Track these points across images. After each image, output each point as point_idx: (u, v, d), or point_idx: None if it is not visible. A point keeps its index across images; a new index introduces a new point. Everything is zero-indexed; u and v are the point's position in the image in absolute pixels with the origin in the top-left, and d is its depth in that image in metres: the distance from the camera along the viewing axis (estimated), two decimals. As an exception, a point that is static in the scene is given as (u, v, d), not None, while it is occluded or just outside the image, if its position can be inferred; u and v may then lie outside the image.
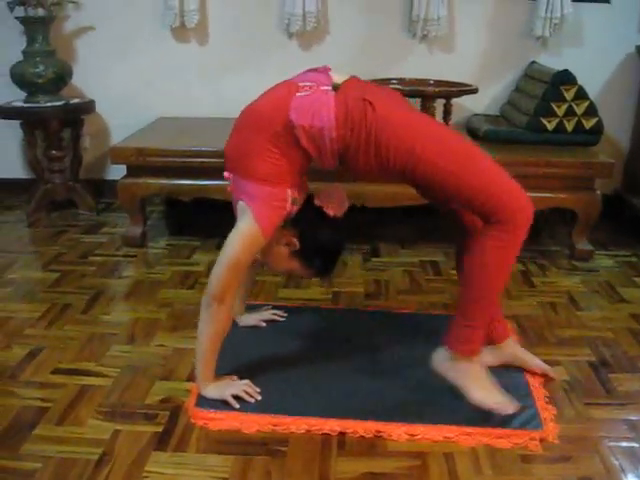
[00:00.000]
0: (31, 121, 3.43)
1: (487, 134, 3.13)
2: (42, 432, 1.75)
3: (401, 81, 3.34)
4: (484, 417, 1.80)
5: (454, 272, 2.42)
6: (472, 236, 1.82)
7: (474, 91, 3.13)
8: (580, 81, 3.01)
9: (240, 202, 1.81)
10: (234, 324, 2.31)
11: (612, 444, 1.75)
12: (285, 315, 2.38)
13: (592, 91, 3.14)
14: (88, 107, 3.51)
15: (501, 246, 1.70)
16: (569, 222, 3.08)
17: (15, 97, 3.42)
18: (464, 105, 3.49)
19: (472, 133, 3.27)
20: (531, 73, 3.36)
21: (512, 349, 2.06)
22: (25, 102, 3.39)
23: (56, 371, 2.05)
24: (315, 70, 1.83)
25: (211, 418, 1.81)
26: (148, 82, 3.60)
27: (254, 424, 1.79)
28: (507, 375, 2.03)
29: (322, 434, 1.76)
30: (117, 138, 3.33)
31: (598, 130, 3.06)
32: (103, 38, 3.55)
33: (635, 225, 3.30)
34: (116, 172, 3.27)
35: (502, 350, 2.04)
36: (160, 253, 3.04)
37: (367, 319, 2.41)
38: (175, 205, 3.51)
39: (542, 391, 1.97)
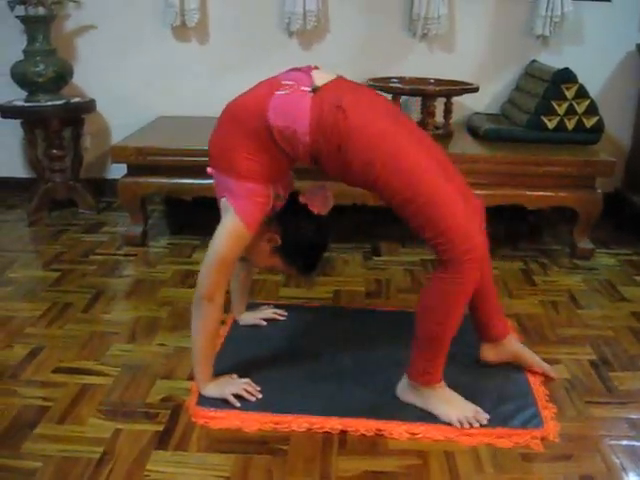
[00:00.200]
0: (32, 120, 3.43)
1: (488, 133, 3.13)
2: (43, 431, 1.76)
3: (401, 80, 3.34)
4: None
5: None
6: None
7: (475, 90, 3.14)
8: (581, 79, 3.01)
9: (223, 199, 1.81)
10: (235, 323, 2.32)
11: (613, 443, 1.75)
12: (286, 314, 2.38)
13: (593, 89, 3.14)
14: (89, 106, 3.51)
15: (450, 290, 1.68)
16: (570, 221, 3.08)
17: (16, 96, 3.42)
18: (465, 104, 3.49)
19: (473, 132, 3.28)
20: (532, 72, 3.36)
21: (513, 347, 2.05)
22: (26, 101, 3.39)
23: (57, 370, 2.05)
24: (299, 69, 1.80)
25: (212, 417, 1.81)
26: (149, 81, 3.60)
27: (255, 423, 1.79)
28: (507, 374, 2.04)
29: (323, 432, 1.76)
30: (118, 137, 3.33)
31: (599, 129, 3.06)
32: (104, 37, 3.55)
33: (636, 223, 3.30)
34: (117, 171, 3.28)
35: (503, 347, 2.04)
36: (161, 252, 3.04)
37: (368, 318, 2.41)
38: (176, 204, 3.51)
39: (543, 390, 1.96)
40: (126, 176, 3.04)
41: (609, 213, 3.20)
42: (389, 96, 3.11)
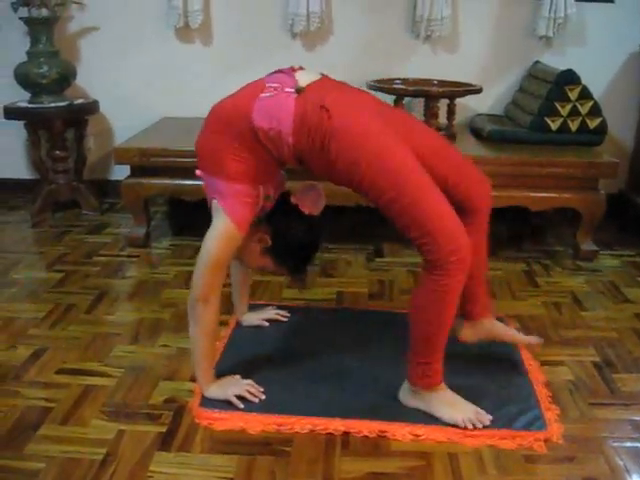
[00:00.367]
0: (35, 121, 3.44)
1: (491, 134, 3.13)
2: (46, 432, 1.76)
3: (405, 81, 3.34)
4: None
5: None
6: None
7: (478, 91, 3.13)
8: (584, 81, 3.00)
9: (213, 201, 1.81)
10: (238, 324, 2.32)
11: (616, 444, 1.75)
12: (288, 315, 2.38)
13: (596, 91, 3.13)
14: (92, 107, 3.52)
15: (437, 290, 1.68)
16: (573, 222, 3.08)
17: (19, 98, 3.43)
18: (468, 105, 3.49)
19: (476, 133, 3.28)
20: (535, 73, 3.36)
21: (491, 325, 2.06)
22: (29, 102, 3.40)
23: (60, 371, 2.05)
24: (282, 71, 1.81)
25: (215, 418, 1.81)
26: (152, 82, 3.60)
27: (258, 424, 1.79)
28: (509, 376, 2.04)
29: (326, 434, 1.76)
30: (121, 138, 3.33)
31: (602, 130, 3.05)
32: (107, 39, 3.56)
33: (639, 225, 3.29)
34: (120, 172, 3.28)
35: (482, 326, 2.04)
36: (164, 253, 3.04)
37: (371, 319, 2.41)
38: (178, 205, 3.51)
39: (545, 391, 1.96)
40: (129, 177, 3.04)
41: (612, 214, 3.20)
42: (392, 97, 3.12)
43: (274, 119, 1.69)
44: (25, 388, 1.96)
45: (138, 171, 3.01)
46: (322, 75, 1.82)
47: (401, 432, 1.76)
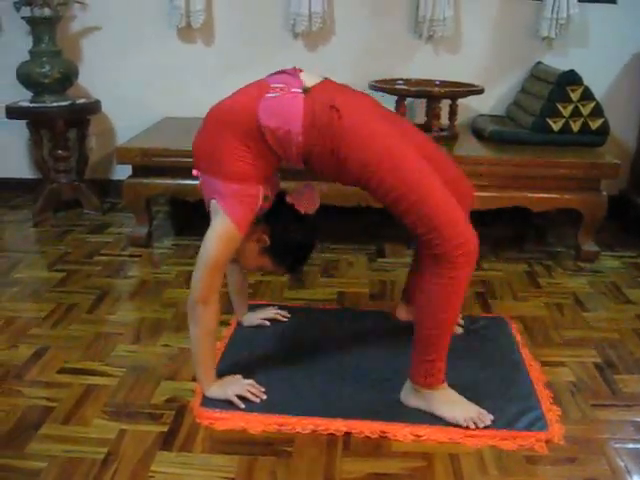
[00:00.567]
0: (37, 121, 3.44)
1: (493, 134, 3.13)
2: (48, 431, 1.76)
3: (407, 82, 3.34)
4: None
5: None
6: (422, 273, 1.83)
7: (480, 91, 3.13)
8: (586, 82, 3.00)
9: (212, 201, 1.81)
10: (238, 324, 2.33)
11: (618, 445, 1.75)
12: (289, 315, 2.38)
13: (598, 92, 3.13)
14: (94, 107, 3.52)
15: (444, 284, 1.69)
16: (575, 223, 3.07)
17: (21, 97, 3.43)
18: (470, 105, 3.48)
19: (478, 133, 3.27)
20: (537, 74, 3.36)
21: None
22: (31, 102, 3.40)
23: (62, 371, 2.05)
24: (285, 72, 1.81)
25: (216, 418, 1.81)
26: (153, 82, 3.61)
27: (259, 424, 1.79)
28: (510, 376, 2.03)
29: (327, 434, 1.76)
30: (123, 138, 3.33)
31: (604, 131, 3.05)
32: (109, 38, 3.56)
33: (641, 226, 3.30)
34: (122, 172, 3.28)
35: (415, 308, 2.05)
36: (165, 253, 3.04)
37: (372, 319, 2.41)
38: (180, 205, 3.52)
39: (547, 392, 1.96)
40: (131, 177, 3.04)
41: (614, 215, 3.20)
42: (395, 98, 3.12)
43: (282, 118, 1.69)
44: (27, 387, 1.96)
45: (140, 171, 3.02)
46: (324, 78, 1.82)
47: (402, 432, 1.76)
